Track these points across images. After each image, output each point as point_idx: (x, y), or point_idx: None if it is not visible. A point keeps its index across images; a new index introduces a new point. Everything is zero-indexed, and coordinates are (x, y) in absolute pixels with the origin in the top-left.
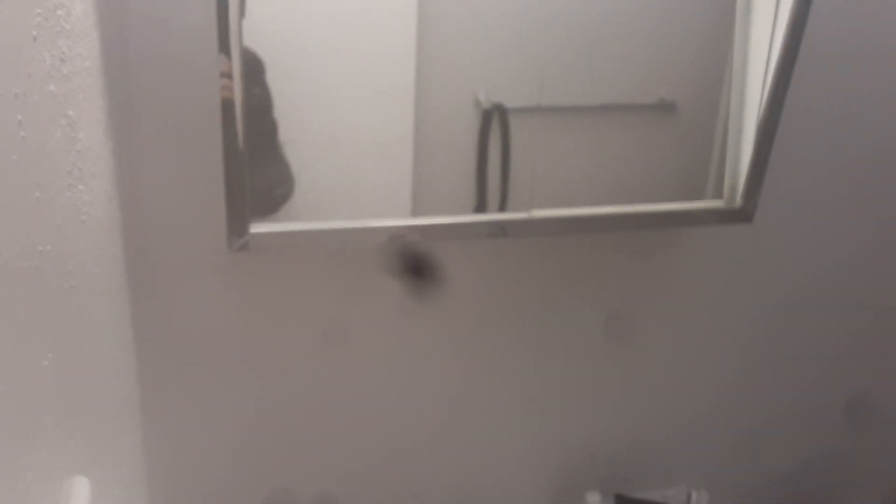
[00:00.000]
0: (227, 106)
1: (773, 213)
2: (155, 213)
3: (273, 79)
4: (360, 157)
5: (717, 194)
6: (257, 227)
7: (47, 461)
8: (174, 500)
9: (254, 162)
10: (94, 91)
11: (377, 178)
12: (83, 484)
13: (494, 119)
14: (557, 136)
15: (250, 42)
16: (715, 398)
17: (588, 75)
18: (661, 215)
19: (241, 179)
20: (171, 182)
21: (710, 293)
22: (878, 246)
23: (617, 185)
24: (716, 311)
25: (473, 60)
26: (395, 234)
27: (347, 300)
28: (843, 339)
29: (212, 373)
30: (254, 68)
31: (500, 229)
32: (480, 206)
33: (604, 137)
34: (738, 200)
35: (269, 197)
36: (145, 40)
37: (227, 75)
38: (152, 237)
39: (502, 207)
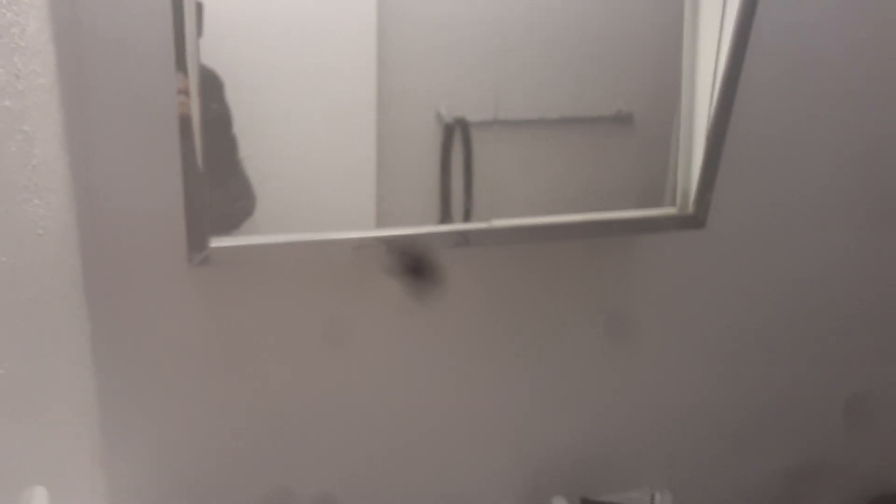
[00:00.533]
0: (184, 122)
1: (725, 219)
2: (114, 227)
3: (233, 95)
4: (323, 172)
5: (674, 202)
6: (218, 242)
7: (2, 471)
8: None
9: (213, 177)
10: (49, 106)
11: (341, 192)
12: (41, 494)
13: (456, 133)
14: (518, 149)
15: (209, 59)
16: (677, 401)
17: (547, 89)
18: (616, 223)
19: (200, 194)
20: (130, 197)
21: (669, 298)
22: (829, 250)
23: (577, 195)
24: (674, 315)
25: (434, 76)
26: (360, 246)
27: (314, 312)
28: (801, 341)
29: (173, 386)
30: (212, 85)
31: (463, 238)
32: (445, 218)
33: (564, 149)
34: (691, 207)
35: (231, 211)
36: (102, 57)
37: (185, 92)
38: (112, 251)
39: (466, 218)
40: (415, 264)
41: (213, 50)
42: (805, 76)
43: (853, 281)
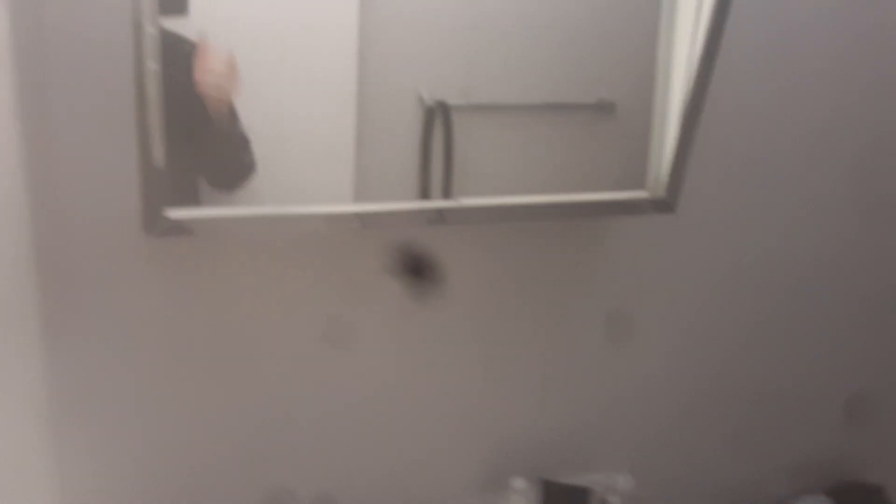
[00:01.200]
0: (141, 88)
1: (698, 204)
2: (69, 198)
3: None
4: (301, 149)
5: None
6: (175, 213)
7: None
8: None
9: (175, 145)
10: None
11: (318, 169)
12: None
13: (437, 115)
14: (499, 133)
15: (183, 29)
16: (640, 384)
17: (530, 75)
18: (585, 205)
19: (155, 161)
20: (86, 166)
21: (639, 283)
22: (801, 236)
23: (556, 180)
24: (643, 300)
25: (416, 58)
26: (331, 220)
27: (286, 289)
28: (768, 326)
29: (130, 365)
30: (176, 51)
31: (438, 216)
32: (424, 197)
33: (546, 135)
34: (662, 191)
35: (221, 179)
36: (60, 20)
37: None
38: (67, 224)
39: (446, 198)
40: (414, 264)
41: (189, 22)
42: (780, 62)
43: (827, 268)
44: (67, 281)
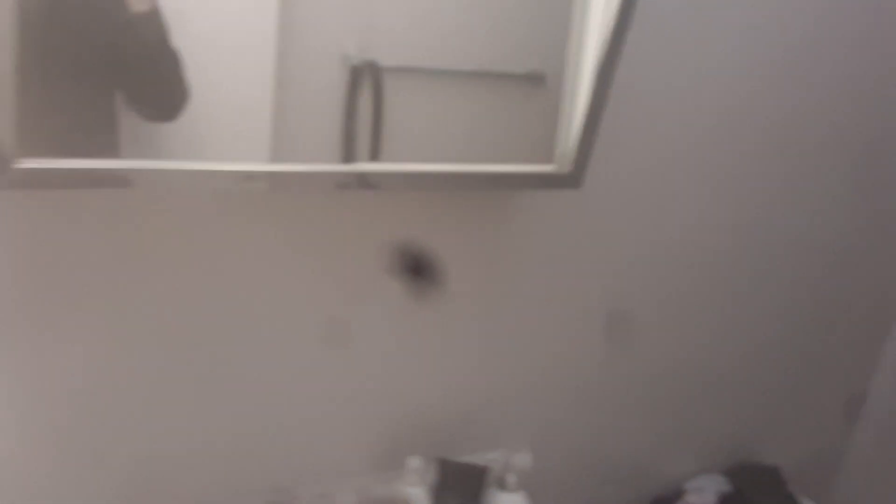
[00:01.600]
0: None
1: (605, 180)
2: None
3: None
4: (214, 102)
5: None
6: (26, 163)
7: None
8: None
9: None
10: None
11: (233, 126)
12: None
13: (364, 76)
14: (426, 99)
15: None
16: (541, 362)
17: (463, 39)
18: (491, 176)
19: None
20: None
21: (541, 257)
22: (711, 218)
23: (478, 149)
24: (546, 276)
25: (344, 15)
26: (238, 179)
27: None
28: (668, 306)
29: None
30: None
31: (355, 179)
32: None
33: (472, 103)
34: (568, 166)
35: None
36: None
37: None
38: None
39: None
40: (414, 264)
41: None
42: (695, 38)
43: (731, 252)
44: None
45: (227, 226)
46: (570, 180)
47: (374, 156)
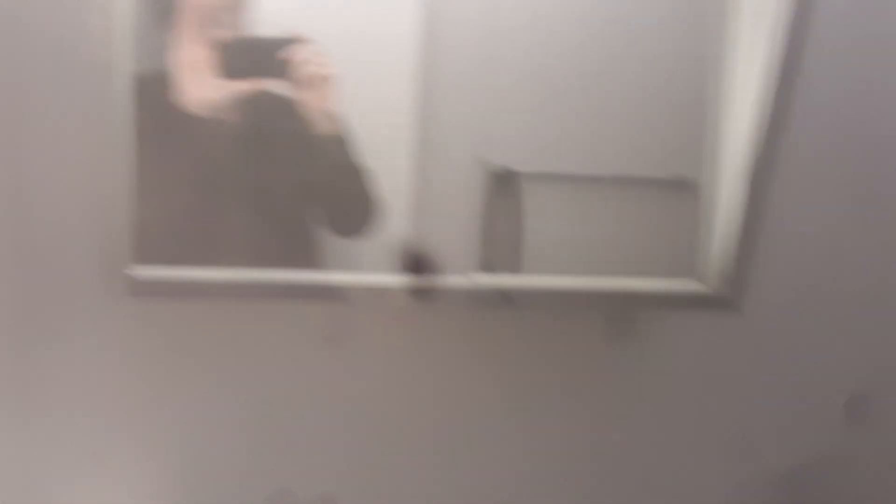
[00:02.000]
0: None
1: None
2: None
3: None
4: None
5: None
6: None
7: None
8: None
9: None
10: None
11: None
12: None
13: (503, 182)
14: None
15: None
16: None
17: (601, 145)
18: (633, 296)
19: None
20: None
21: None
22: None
23: (615, 260)
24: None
25: (481, 122)
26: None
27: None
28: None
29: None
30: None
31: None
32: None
33: (615, 210)
34: (718, 283)
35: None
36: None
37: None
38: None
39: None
40: (414, 264)
41: None
42: (855, 139)
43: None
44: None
45: (360, 334)
46: (721, 301)
47: (515, 268)
